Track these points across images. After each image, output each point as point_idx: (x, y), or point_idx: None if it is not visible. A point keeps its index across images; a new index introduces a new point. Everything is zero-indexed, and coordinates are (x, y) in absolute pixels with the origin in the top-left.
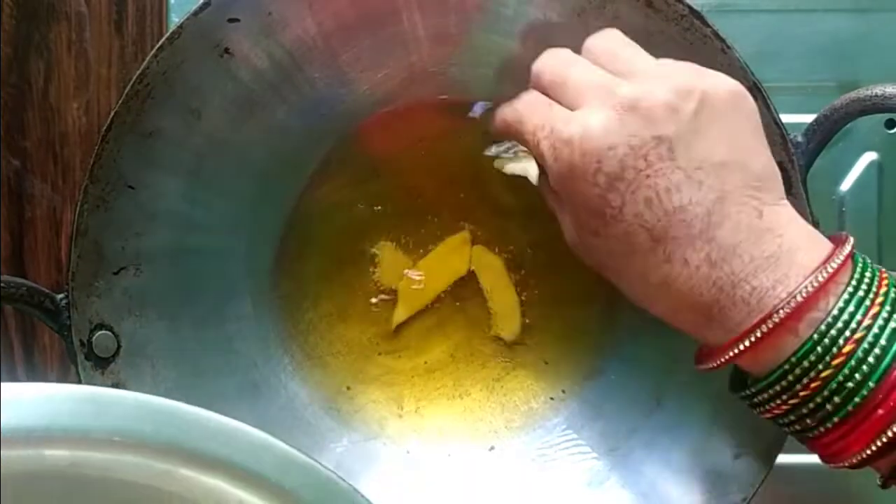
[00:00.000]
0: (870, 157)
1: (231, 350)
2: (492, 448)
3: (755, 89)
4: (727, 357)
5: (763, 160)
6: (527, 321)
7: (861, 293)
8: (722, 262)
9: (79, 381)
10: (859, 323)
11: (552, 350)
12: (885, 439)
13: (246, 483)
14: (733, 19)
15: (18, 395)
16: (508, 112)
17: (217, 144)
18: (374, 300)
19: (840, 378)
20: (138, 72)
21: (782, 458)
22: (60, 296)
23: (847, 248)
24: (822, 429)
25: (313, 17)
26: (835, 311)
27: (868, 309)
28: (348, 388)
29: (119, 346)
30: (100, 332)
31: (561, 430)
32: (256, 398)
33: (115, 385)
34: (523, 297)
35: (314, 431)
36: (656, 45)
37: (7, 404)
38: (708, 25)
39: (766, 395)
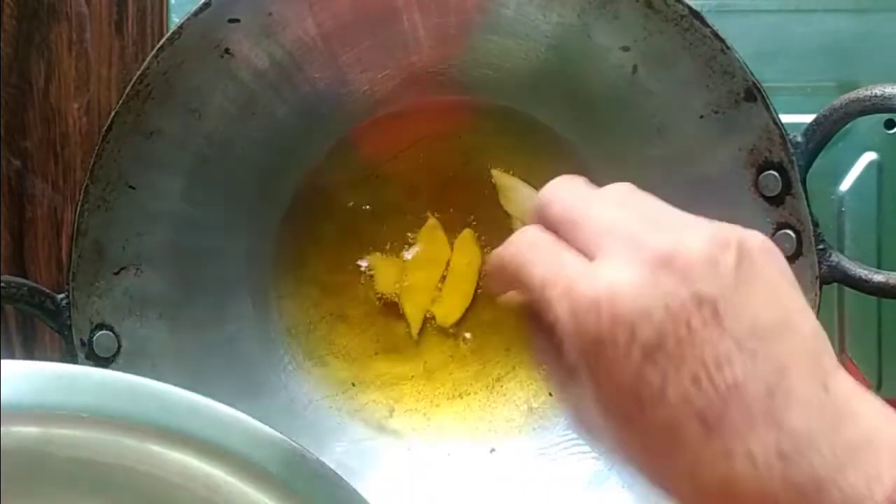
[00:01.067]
0: (869, 157)
1: (231, 350)
2: (492, 448)
3: (755, 89)
4: None
5: (812, 320)
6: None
7: None
8: (798, 457)
9: None
10: None
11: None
12: None
13: (213, 458)
14: (733, 19)
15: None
16: (507, 255)
17: (217, 144)
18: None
19: None
20: (139, 72)
21: None
22: (61, 296)
23: None
24: None
25: (313, 17)
26: None
27: None
28: (348, 388)
29: (119, 346)
30: (100, 332)
31: (561, 430)
32: (256, 398)
33: None
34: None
35: (314, 431)
36: (656, 45)
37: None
38: (707, 25)
39: None
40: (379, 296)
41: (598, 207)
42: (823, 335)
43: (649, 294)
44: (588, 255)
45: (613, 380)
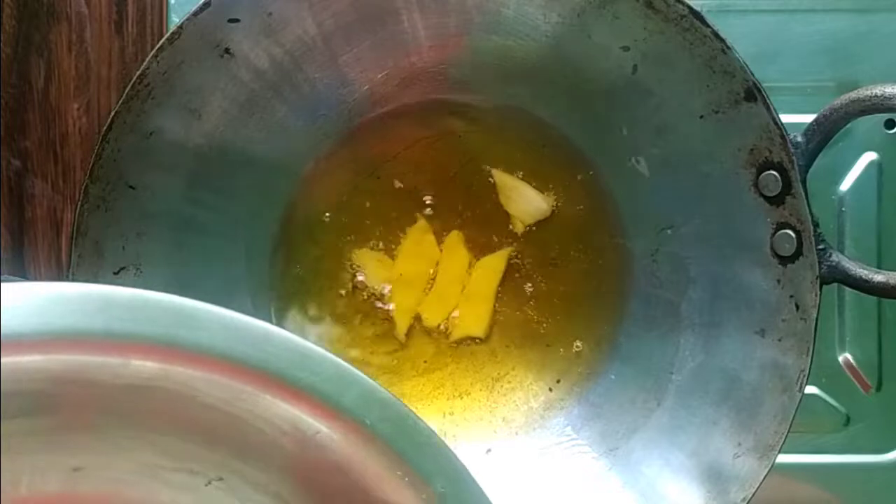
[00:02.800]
0: (870, 157)
1: None
2: (491, 448)
3: (755, 89)
4: None
5: None
6: (547, 312)
7: None
8: None
9: None
10: None
11: (551, 350)
12: None
13: (327, 415)
14: (733, 19)
15: (107, 295)
16: None
17: (217, 144)
18: (360, 307)
19: None
20: (138, 72)
21: (782, 458)
22: None
23: None
24: None
25: (313, 17)
26: None
27: None
28: None
29: None
30: None
31: (561, 430)
32: None
33: None
34: (530, 294)
35: None
36: (656, 46)
37: (92, 304)
38: (708, 26)
39: None
40: (369, 293)
41: None
42: None
43: None
44: None
45: None
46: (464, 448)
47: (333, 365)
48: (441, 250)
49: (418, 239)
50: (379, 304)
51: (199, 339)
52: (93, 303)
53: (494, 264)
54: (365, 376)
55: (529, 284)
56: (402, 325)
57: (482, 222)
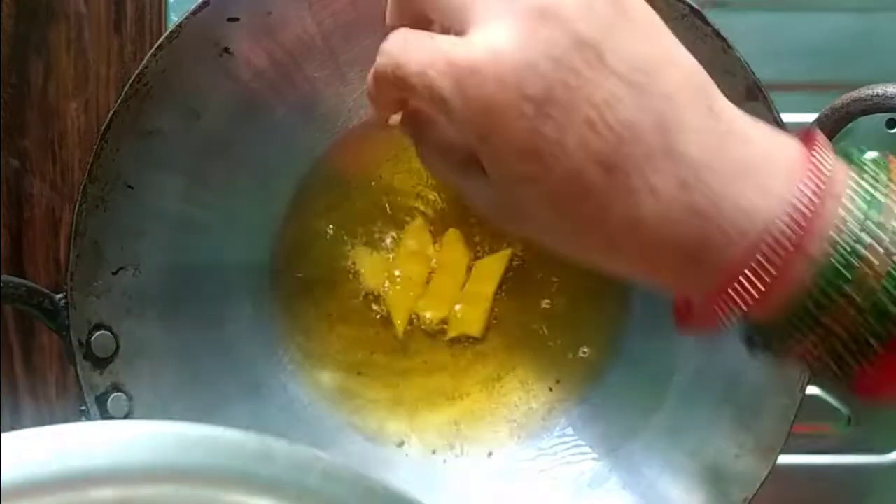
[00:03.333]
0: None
1: (231, 350)
2: (491, 449)
3: (756, 89)
4: (720, 307)
5: (689, 55)
6: (548, 312)
7: (869, 187)
8: (696, 181)
9: (77, 382)
10: (878, 223)
11: (552, 351)
12: None
13: (295, 499)
14: (734, 18)
15: (58, 437)
16: (381, 64)
17: (217, 144)
18: (359, 308)
19: (872, 294)
20: (137, 71)
21: (782, 458)
22: (59, 296)
23: (822, 141)
24: (863, 361)
25: (313, 17)
26: (844, 216)
27: (883, 205)
28: (348, 388)
29: (118, 347)
30: (99, 332)
31: (561, 431)
32: (256, 398)
33: (114, 385)
34: (545, 300)
35: (313, 432)
36: None
37: (48, 450)
38: (709, 24)
39: (790, 338)
40: (367, 293)
41: None
42: (701, 68)
43: (529, 47)
44: (462, 31)
45: (510, 143)
46: (464, 448)
47: (286, 452)
48: (439, 249)
49: (416, 238)
50: (377, 305)
51: (150, 459)
52: (166, 440)
53: (494, 265)
54: (324, 455)
55: (530, 285)
56: (400, 325)
57: (483, 222)
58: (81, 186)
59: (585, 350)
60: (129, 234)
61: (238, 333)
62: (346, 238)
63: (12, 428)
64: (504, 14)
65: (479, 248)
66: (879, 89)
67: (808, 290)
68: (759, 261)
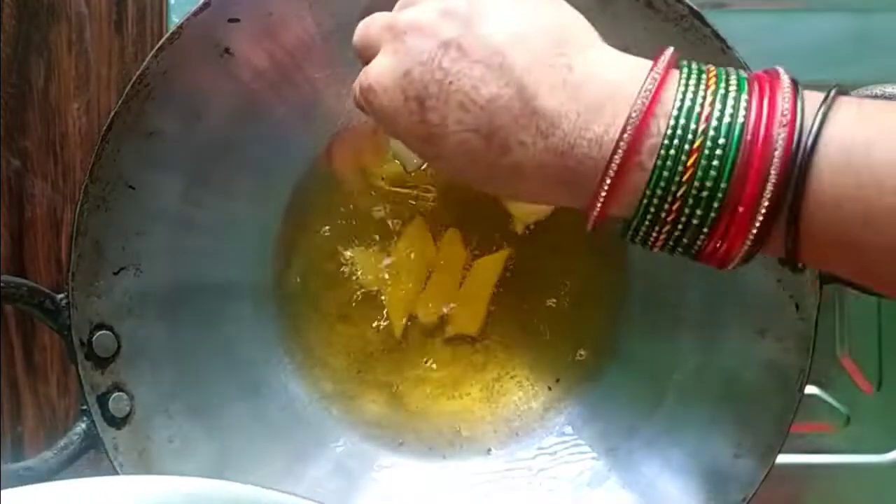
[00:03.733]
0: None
1: (231, 350)
2: (491, 448)
3: None
4: (596, 214)
5: (556, 14)
6: (548, 312)
7: (689, 102)
8: (553, 129)
9: (79, 381)
10: (695, 132)
11: (551, 350)
12: (754, 232)
13: None
14: (733, 19)
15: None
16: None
17: (217, 145)
18: (358, 309)
19: (694, 191)
20: (138, 72)
21: (782, 458)
22: (60, 296)
23: (662, 62)
24: (700, 242)
25: (313, 17)
26: (668, 131)
27: (699, 115)
28: (348, 387)
29: (119, 346)
30: (100, 332)
31: (560, 430)
32: (256, 398)
33: (115, 385)
34: (546, 300)
35: (314, 431)
36: (656, 45)
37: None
38: (708, 25)
39: (642, 232)
40: (366, 292)
41: (372, 22)
42: (573, 23)
43: (404, 59)
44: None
45: (410, 135)
46: (465, 447)
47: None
48: (438, 248)
49: (415, 238)
50: (375, 306)
51: None
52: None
53: (492, 265)
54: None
55: (529, 285)
56: (397, 324)
57: (481, 221)
58: (83, 186)
59: (582, 353)
60: (129, 234)
61: (238, 333)
62: (344, 238)
63: (13, 428)
64: (387, 40)
65: (476, 248)
66: (878, 89)
67: (647, 195)
68: (608, 185)
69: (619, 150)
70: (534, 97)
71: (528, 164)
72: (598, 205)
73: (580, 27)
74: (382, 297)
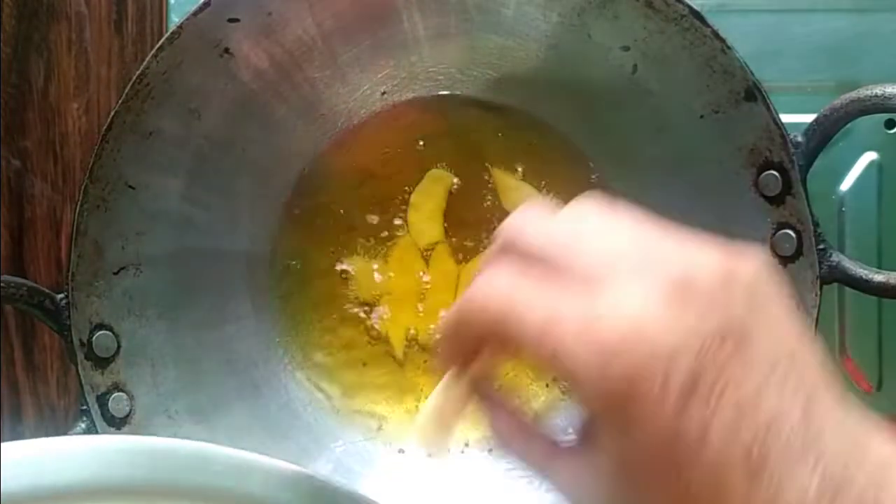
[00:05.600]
0: (870, 157)
1: (231, 350)
2: (491, 448)
3: (755, 89)
4: None
5: (814, 345)
6: None
7: None
8: (843, 482)
9: (79, 381)
10: None
11: None
12: None
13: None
14: (733, 19)
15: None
16: (480, 304)
17: (217, 144)
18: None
19: None
20: (138, 72)
21: None
22: (60, 296)
23: None
24: None
25: (313, 17)
26: None
27: None
28: (347, 387)
29: (119, 346)
30: (100, 332)
31: (561, 430)
32: (256, 398)
33: (115, 385)
34: None
35: (314, 431)
36: (656, 45)
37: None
38: (708, 25)
39: None
40: (361, 302)
41: (583, 234)
42: (821, 353)
43: (675, 328)
44: (585, 288)
45: (649, 431)
46: (465, 448)
47: (227, 457)
48: (428, 268)
49: (404, 253)
50: (373, 312)
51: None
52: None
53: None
54: (267, 459)
55: None
56: (398, 346)
57: (475, 225)
58: (82, 187)
59: None
60: (129, 234)
61: (238, 333)
62: (345, 238)
63: (13, 428)
64: (643, 285)
65: (462, 253)
66: (878, 89)
67: None
68: None
69: None
70: (819, 435)
71: None
72: None
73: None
74: (378, 312)
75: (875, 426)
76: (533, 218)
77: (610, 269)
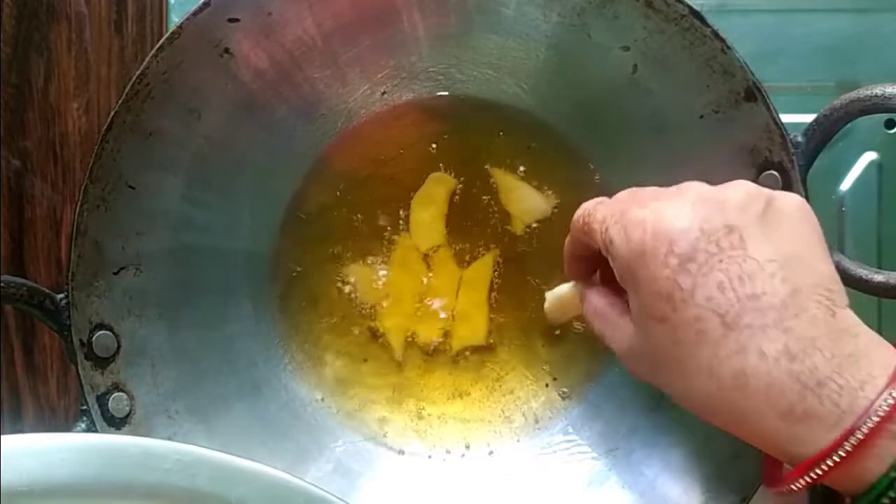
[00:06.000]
0: (870, 157)
1: (231, 350)
2: (491, 448)
3: (755, 89)
4: (820, 471)
5: (831, 268)
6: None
7: None
8: (803, 356)
9: (79, 381)
10: None
11: (551, 351)
12: None
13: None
14: (733, 19)
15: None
16: (576, 215)
17: (217, 144)
18: (356, 312)
19: None
20: (138, 72)
21: None
22: (60, 296)
23: None
24: None
25: (313, 17)
26: None
27: None
28: (348, 387)
29: (119, 346)
30: (100, 332)
31: (560, 430)
32: (256, 398)
33: (115, 385)
34: (530, 294)
35: (314, 431)
36: (656, 45)
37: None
38: (708, 25)
39: None
40: (361, 304)
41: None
42: (840, 283)
43: (687, 217)
44: (639, 203)
45: (653, 284)
46: (464, 448)
47: (177, 452)
48: (430, 270)
49: (406, 255)
50: (375, 306)
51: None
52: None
53: (482, 271)
54: (217, 454)
55: (528, 285)
56: (398, 347)
57: (476, 227)
58: (82, 186)
59: (583, 352)
60: (130, 234)
61: (238, 333)
62: (345, 238)
63: (13, 428)
64: (678, 196)
65: (464, 256)
66: (878, 89)
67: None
68: (855, 443)
69: (878, 413)
70: (793, 318)
71: (755, 378)
72: (826, 465)
73: (843, 288)
74: (378, 315)
75: (873, 339)
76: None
77: (664, 194)
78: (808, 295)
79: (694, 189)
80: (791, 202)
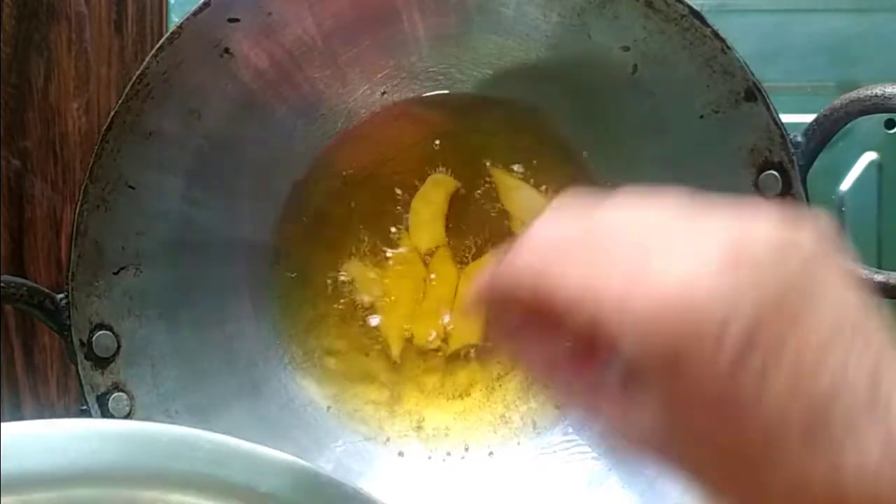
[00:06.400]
0: (870, 157)
1: (231, 350)
2: (492, 448)
3: (755, 89)
4: None
5: (879, 315)
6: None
7: None
8: None
9: (79, 381)
10: None
11: None
12: None
13: (214, 494)
14: (733, 19)
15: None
16: (521, 264)
17: (217, 144)
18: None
19: None
20: (138, 72)
21: None
22: (60, 296)
23: None
24: None
25: (313, 17)
26: None
27: None
28: (347, 388)
29: (119, 346)
30: (100, 332)
31: (560, 430)
32: (256, 398)
33: (115, 385)
34: None
35: (314, 431)
36: (656, 45)
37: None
38: (708, 25)
39: None
40: (359, 305)
41: (627, 208)
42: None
43: (729, 293)
44: (633, 258)
45: (697, 393)
46: (464, 448)
47: (209, 442)
48: (428, 271)
49: (405, 255)
50: (375, 307)
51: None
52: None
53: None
54: (248, 444)
55: None
56: (396, 348)
57: (475, 228)
58: (82, 186)
59: None
60: (130, 234)
61: (238, 333)
62: (344, 238)
63: None
64: (694, 248)
65: (463, 256)
66: (878, 89)
67: None
68: None
69: None
70: (887, 401)
71: (852, 481)
72: None
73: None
74: (378, 314)
75: None
76: (571, 200)
77: (655, 238)
78: (887, 364)
79: (705, 231)
80: (817, 234)
